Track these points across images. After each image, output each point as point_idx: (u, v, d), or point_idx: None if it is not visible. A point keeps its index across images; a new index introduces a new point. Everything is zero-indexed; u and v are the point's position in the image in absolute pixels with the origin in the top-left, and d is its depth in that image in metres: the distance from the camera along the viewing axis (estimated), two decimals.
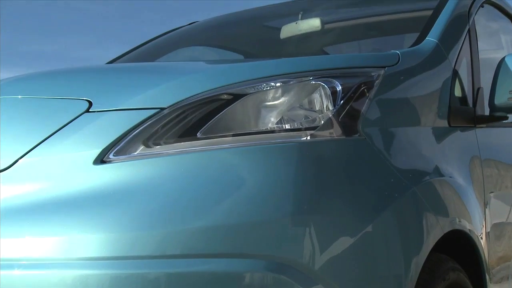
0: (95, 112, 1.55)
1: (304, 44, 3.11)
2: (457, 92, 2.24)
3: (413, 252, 1.62)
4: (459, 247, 1.97)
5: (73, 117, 1.54)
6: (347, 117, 1.63)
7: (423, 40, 2.18)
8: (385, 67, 1.83)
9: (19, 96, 1.72)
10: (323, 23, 3.02)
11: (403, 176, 1.69)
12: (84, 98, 1.60)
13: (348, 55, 1.97)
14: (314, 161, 1.51)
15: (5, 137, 1.57)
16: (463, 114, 2.25)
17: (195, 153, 1.46)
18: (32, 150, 1.49)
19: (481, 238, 2.06)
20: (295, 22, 3.08)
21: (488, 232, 2.20)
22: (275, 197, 1.41)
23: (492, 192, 2.33)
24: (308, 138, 1.53)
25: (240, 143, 1.49)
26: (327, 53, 3.17)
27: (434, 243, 1.71)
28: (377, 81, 1.76)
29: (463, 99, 2.30)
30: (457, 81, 2.24)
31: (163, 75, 1.78)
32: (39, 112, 1.63)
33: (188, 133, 1.51)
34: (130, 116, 1.52)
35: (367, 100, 1.70)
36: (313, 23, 3.03)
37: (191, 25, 3.68)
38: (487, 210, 2.22)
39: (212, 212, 1.36)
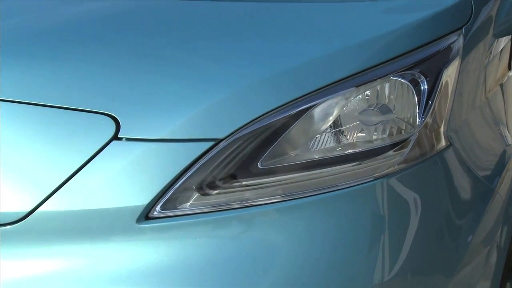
0: (127, 140, 1.18)
1: None
2: None
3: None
4: None
5: (98, 147, 1.16)
6: (436, 123, 1.32)
7: None
8: (461, 28, 1.46)
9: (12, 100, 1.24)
10: None
11: (487, 180, 1.44)
12: (107, 113, 1.19)
13: (414, 22, 1.39)
14: (402, 202, 1.24)
15: (7, 169, 1.18)
16: None
17: (257, 208, 1.17)
18: (51, 197, 1.15)
19: None
20: None
21: None
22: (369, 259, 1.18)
23: None
24: (395, 168, 1.24)
25: (317, 187, 1.20)
26: None
27: None
28: (458, 54, 1.41)
29: None
30: None
31: (209, 76, 1.27)
32: (48, 131, 1.21)
33: (246, 165, 1.20)
34: (177, 152, 1.16)
35: (451, 89, 1.38)
36: None
37: None
38: None
39: None
